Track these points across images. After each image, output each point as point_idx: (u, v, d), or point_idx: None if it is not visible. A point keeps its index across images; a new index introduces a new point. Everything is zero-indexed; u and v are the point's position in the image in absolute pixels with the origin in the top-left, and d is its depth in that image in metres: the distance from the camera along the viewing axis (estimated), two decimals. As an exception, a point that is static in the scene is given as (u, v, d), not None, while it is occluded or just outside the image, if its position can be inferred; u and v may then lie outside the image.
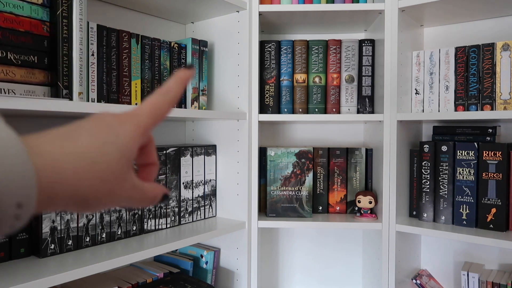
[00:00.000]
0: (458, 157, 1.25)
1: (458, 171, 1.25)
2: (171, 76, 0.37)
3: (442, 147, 1.28)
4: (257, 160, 1.33)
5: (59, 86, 0.88)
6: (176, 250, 1.42)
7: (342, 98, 1.39)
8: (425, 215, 1.31)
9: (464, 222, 1.24)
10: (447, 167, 1.27)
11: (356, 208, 1.38)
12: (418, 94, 1.33)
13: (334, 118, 1.32)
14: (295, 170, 1.35)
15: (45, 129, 1.08)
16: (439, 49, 1.29)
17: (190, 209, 1.29)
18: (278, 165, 1.35)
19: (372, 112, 1.39)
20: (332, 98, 1.39)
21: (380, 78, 1.33)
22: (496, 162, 1.19)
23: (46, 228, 0.94)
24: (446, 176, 1.27)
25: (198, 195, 1.32)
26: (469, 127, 1.29)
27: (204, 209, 1.34)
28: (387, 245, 1.30)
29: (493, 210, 1.19)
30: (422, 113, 1.25)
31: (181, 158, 1.25)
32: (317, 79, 1.39)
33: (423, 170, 1.31)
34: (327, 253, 1.59)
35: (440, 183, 1.28)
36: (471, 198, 1.23)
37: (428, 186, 1.30)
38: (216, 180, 1.38)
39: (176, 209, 1.25)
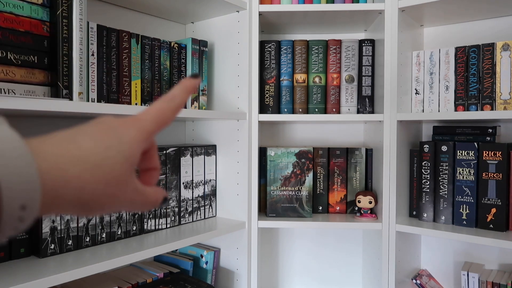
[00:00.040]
0: (458, 157, 1.25)
1: (458, 171, 1.25)
2: (177, 83, 0.37)
3: (442, 147, 1.28)
4: (257, 160, 1.33)
5: (59, 86, 0.88)
6: (176, 250, 1.42)
7: (342, 98, 1.39)
8: (425, 215, 1.31)
9: (464, 222, 1.24)
10: (447, 167, 1.27)
11: (356, 208, 1.38)
12: (418, 94, 1.33)
13: (334, 118, 1.32)
14: (295, 170, 1.35)
15: (45, 129, 1.08)
16: (439, 49, 1.29)
17: (190, 209, 1.29)
18: (278, 165, 1.35)
19: (372, 112, 1.39)
20: (332, 98, 1.39)
21: (380, 78, 1.33)
22: (496, 162, 1.19)
23: (46, 228, 0.94)
24: (446, 176, 1.27)
25: (198, 195, 1.32)
26: (469, 127, 1.29)
27: (204, 209, 1.34)
28: (387, 245, 1.30)
29: (493, 210, 1.19)
30: (422, 113, 1.25)
31: (181, 158, 1.25)
32: (317, 79, 1.39)
33: (423, 170, 1.31)
34: (327, 253, 1.59)
35: (440, 183, 1.28)
36: (471, 198, 1.23)
37: (428, 186, 1.30)
38: (216, 180, 1.38)
39: (176, 209, 1.25)
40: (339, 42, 1.39)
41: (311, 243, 1.59)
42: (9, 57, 0.82)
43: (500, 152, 1.18)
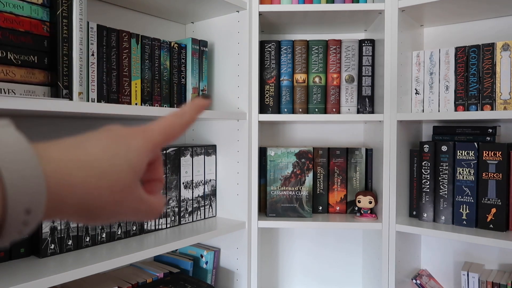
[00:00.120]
0: (458, 157, 1.25)
1: (458, 171, 1.25)
2: (189, 101, 0.38)
3: (442, 147, 1.28)
4: (257, 160, 1.33)
5: (59, 86, 0.88)
6: (176, 250, 1.42)
7: (342, 98, 1.39)
8: (425, 215, 1.31)
9: (464, 222, 1.24)
10: (447, 167, 1.27)
11: (356, 208, 1.38)
12: (418, 94, 1.33)
13: (334, 118, 1.32)
14: (295, 170, 1.35)
15: (45, 129, 1.08)
16: (439, 49, 1.29)
17: (190, 209, 1.29)
18: (278, 165, 1.35)
19: (372, 112, 1.39)
20: (332, 98, 1.39)
21: (380, 78, 1.33)
22: (496, 162, 1.19)
23: (46, 228, 0.94)
24: (446, 176, 1.27)
25: (198, 195, 1.32)
26: (469, 127, 1.29)
27: (204, 209, 1.34)
28: (387, 245, 1.30)
29: (493, 210, 1.19)
30: (422, 113, 1.25)
31: (181, 158, 1.25)
32: (317, 79, 1.39)
33: (423, 170, 1.31)
34: (327, 253, 1.59)
35: (440, 183, 1.28)
36: (471, 198, 1.23)
37: (428, 186, 1.30)
38: (216, 180, 1.38)
39: (176, 209, 1.25)
40: (339, 42, 1.39)
41: (311, 243, 1.59)
42: (9, 57, 0.82)
43: (500, 152, 1.18)
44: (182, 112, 0.37)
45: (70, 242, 0.98)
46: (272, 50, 1.39)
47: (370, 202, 1.33)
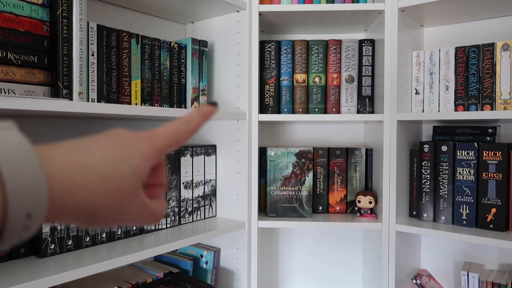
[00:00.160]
0: (458, 157, 1.25)
1: (458, 171, 1.25)
2: (196, 108, 0.37)
3: (442, 147, 1.28)
4: (257, 160, 1.33)
5: (59, 86, 0.88)
6: (176, 250, 1.42)
7: (342, 98, 1.39)
8: (425, 215, 1.31)
9: (464, 222, 1.24)
10: (447, 167, 1.27)
11: (356, 208, 1.38)
12: (418, 94, 1.33)
13: (334, 118, 1.32)
14: (295, 170, 1.35)
15: (45, 129, 1.08)
16: (439, 49, 1.29)
17: (190, 209, 1.29)
18: (278, 165, 1.35)
19: (372, 112, 1.39)
20: (332, 98, 1.39)
21: (380, 78, 1.33)
22: (496, 162, 1.19)
23: (46, 228, 0.94)
24: (446, 176, 1.27)
25: (198, 195, 1.32)
26: (469, 127, 1.29)
27: (204, 209, 1.34)
28: (387, 245, 1.30)
29: (493, 210, 1.19)
30: (422, 113, 1.25)
31: (181, 158, 1.25)
32: (317, 79, 1.39)
33: (423, 170, 1.31)
34: (327, 253, 1.59)
35: (440, 183, 1.28)
36: (471, 198, 1.23)
37: (428, 186, 1.30)
38: (216, 180, 1.38)
39: (176, 209, 1.25)
40: (339, 42, 1.39)
41: (311, 243, 1.59)
42: (9, 57, 0.82)
43: (500, 152, 1.18)
44: (188, 118, 0.37)
45: (70, 242, 0.98)
46: (272, 50, 1.39)
47: (370, 202, 1.33)
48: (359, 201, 1.35)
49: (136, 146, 0.33)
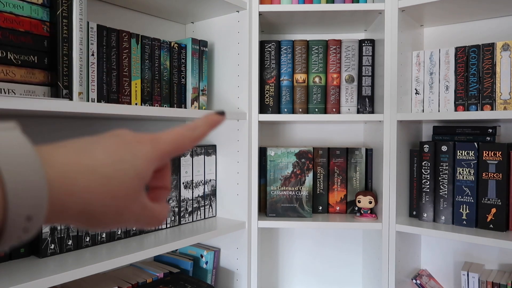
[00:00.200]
0: (458, 157, 1.25)
1: (458, 171, 1.25)
2: (202, 116, 0.37)
3: (442, 147, 1.28)
4: (257, 160, 1.33)
5: (59, 86, 0.88)
6: (176, 250, 1.42)
7: (342, 98, 1.39)
8: (425, 215, 1.31)
9: (464, 222, 1.24)
10: (447, 167, 1.27)
11: (356, 208, 1.38)
12: (418, 94, 1.33)
13: (334, 118, 1.32)
14: (295, 170, 1.35)
15: (45, 129, 1.08)
16: (439, 49, 1.29)
17: (190, 209, 1.29)
18: (278, 165, 1.35)
19: (372, 112, 1.39)
20: (332, 98, 1.39)
21: (380, 78, 1.33)
22: (496, 162, 1.19)
23: (46, 228, 0.94)
24: (446, 176, 1.27)
25: (198, 195, 1.32)
26: (469, 127, 1.29)
27: (204, 209, 1.34)
28: (387, 245, 1.30)
29: (493, 210, 1.19)
30: (422, 113, 1.25)
31: (181, 158, 1.25)
32: (317, 79, 1.39)
33: (423, 170, 1.31)
34: (327, 253, 1.59)
35: (440, 183, 1.28)
36: (471, 198, 1.23)
37: (428, 186, 1.30)
38: (216, 180, 1.38)
39: (176, 209, 1.25)
40: (339, 42, 1.39)
41: (311, 243, 1.59)
42: (9, 57, 0.82)
43: (500, 152, 1.18)
44: (195, 125, 0.36)
45: (70, 242, 0.98)
46: (272, 50, 1.39)
47: (370, 202, 1.33)
48: (359, 201, 1.35)
49: (139, 147, 0.32)
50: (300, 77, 1.39)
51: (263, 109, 1.39)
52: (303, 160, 1.34)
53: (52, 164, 0.27)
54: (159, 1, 1.23)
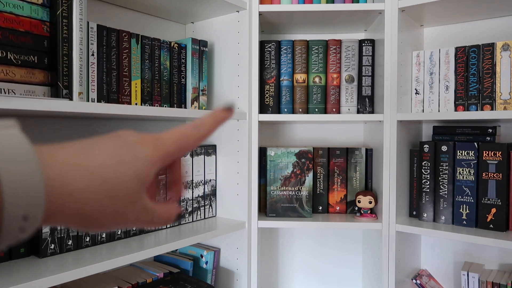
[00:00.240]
0: (458, 157, 1.25)
1: (458, 171, 1.25)
2: (210, 113, 0.35)
3: (442, 147, 1.28)
4: (257, 160, 1.33)
5: (59, 86, 0.88)
6: (176, 250, 1.42)
7: (342, 98, 1.39)
8: (425, 215, 1.31)
9: (464, 222, 1.24)
10: (447, 167, 1.27)
11: (356, 208, 1.38)
12: (418, 94, 1.33)
13: (334, 118, 1.32)
14: (295, 170, 1.35)
15: (45, 129, 1.08)
16: (439, 49, 1.29)
17: (190, 209, 1.29)
18: (278, 165, 1.35)
19: (372, 112, 1.39)
20: (332, 98, 1.39)
21: (380, 78, 1.33)
22: (496, 162, 1.19)
23: (46, 228, 0.94)
24: (446, 176, 1.27)
25: (198, 195, 1.32)
26: (469, 127, 1.29)
27: (204, 209, 1.34)
28: (387, 245, 1.30)
29: (493, 210, 1.19)
30: (422, 113, 1.25)
31: (181, 158, 1.25)
32: (317, 79, 1.39)
33: (423, 170, 1.31)
34: (327, 253, 1.59)
35: (440, 183, 1.28)
36: (471, 198, 1.23)
37: (428, 186, 1.30)
38: (216, 180, 1.38)
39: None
40: (339, 42, 1.39)
41: (311, 243, 1.59)
42: (9, 57, 0.82)
43: (500, 152, 1.18)
44: (200, 123, 0.35)
45: (70, 242, 0.98)
46: (272, 50, 1.39)
47: (370, 202, 1.33)
48: (359, 201, 1.35)
49: (140, 149, 0.32)
50: (300, 77, 1.39)
51: (263, 109, 1.39)
52: (303, 160, 1.34)
53: (52, 164, 0.27)
54: (159, 1, 1.23)
